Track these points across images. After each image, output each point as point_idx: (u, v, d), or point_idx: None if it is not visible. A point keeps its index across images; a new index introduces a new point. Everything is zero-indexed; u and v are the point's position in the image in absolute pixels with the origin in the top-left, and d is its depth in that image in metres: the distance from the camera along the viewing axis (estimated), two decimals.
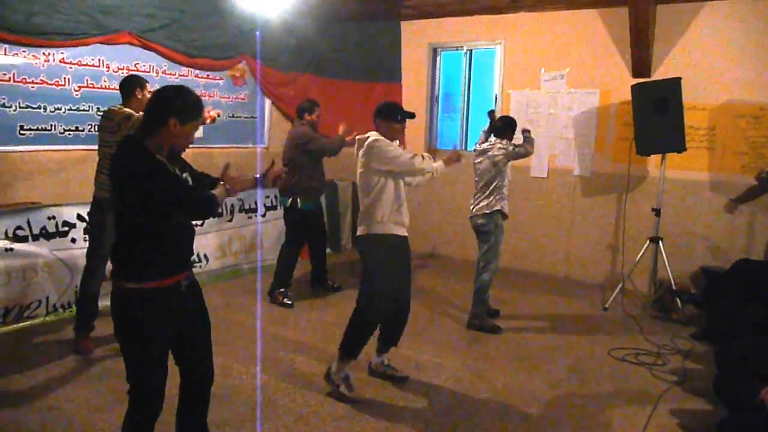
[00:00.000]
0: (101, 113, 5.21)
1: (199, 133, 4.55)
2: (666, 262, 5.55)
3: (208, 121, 4.42)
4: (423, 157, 3.78)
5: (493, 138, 5.06)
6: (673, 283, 5.55)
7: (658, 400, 3.87)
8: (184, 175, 2.53)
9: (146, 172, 2.30)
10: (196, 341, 2.65)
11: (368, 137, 3.76)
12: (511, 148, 4.92)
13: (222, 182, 2.59)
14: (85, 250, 4.30)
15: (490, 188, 4.94)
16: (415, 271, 6.83)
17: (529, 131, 5.33)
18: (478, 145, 5.12)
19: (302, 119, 5.56)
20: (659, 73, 6.00)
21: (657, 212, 5.70)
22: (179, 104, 2.40)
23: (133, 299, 2.39)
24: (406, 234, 3.81)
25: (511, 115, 6.17)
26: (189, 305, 2.57)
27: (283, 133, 7.18)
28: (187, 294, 2.55)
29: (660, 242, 5.65)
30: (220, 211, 6.16)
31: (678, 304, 5.50)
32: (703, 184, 5.99)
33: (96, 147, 4.18)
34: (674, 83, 5.40)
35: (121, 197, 2.35)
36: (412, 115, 3.90)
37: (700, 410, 3.76)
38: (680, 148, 5.45)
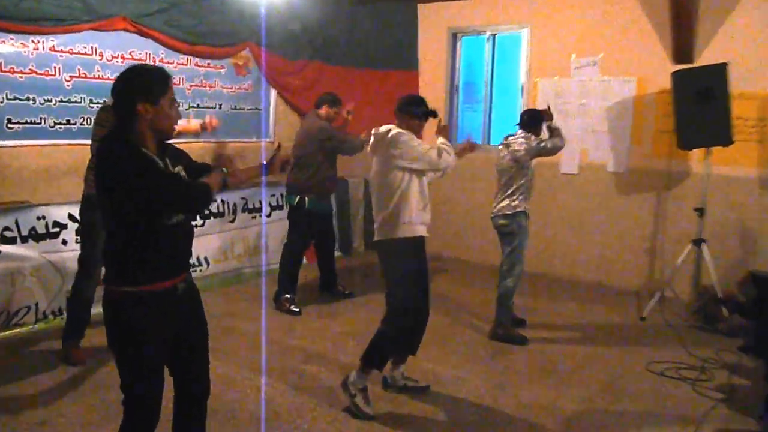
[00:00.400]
0: (95, 105, 5.31)
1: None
2: (710, 267, 5.49)
3: (209, 129, 4.48)
4: (447, 151, 3.81)
5: (519, 131, 5.03)
6: (718, 290, 5.49)
7: (702, 419, 3.82)
8: (177, 168, 2.54)
9: (133, 168, 2.31)
10: (193, 349, 2.67)
11: (389, 130, 3.77)
12: (535, 143, 4.89)
13: (216, 165, 2.59)
14: (77, 253, 4.34)
15: (512, 187, 4.92)
16: (432, 275, 6.83)
17: (550, 114, 5.22)
18: (504, 139, 5.09)
19: (319, 109, 5.59)
20: (703, 59, 5.94)
21: (700, 212, 5.64)
22: (140, 85, 2.38)
23: (126, 303, 2.41)
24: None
25: (538, 106, 6.13)
26: (185, 310, 2.59)
27: (290, 127, 7.22)
28: (183, 298, 2.56)
29: (703, 245, 5.59)
30: (222, 210, 6.24)
31: (724, 314, 5.44)
32: (752, 181, 5.92)
33: (90, 142, 4.22)
34: (720, 70, 5.35)
35: (109, 196, 2.37)
36: (434, 114, 3.94)
37: (748, 431, 3.71)
38: (726, 141, 5.39)
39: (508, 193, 4.93)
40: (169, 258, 2.50)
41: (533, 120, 5.06)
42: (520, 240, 4.96)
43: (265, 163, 2.87)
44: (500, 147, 5.08)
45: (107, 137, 2.46)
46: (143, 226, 2.40)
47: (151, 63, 5.72)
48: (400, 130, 3.75)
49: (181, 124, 4.02)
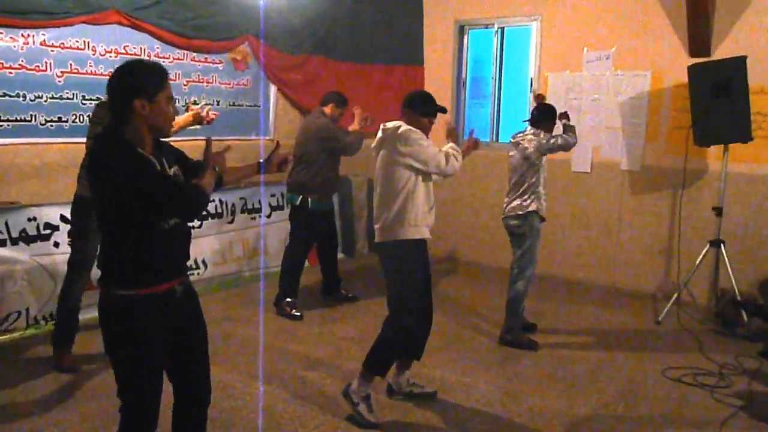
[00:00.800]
0: (87, 102, 5.31)
1: (196, 126, 4.61)
2: (729, 269, 5.47)
3: (205, 122, 4.47)
4: (456, 157, 3.82)
5: (529, 128, 5.02)
6: (737, 292, 5.47)
7: (721, 427, 3.81)
8: (173, 169, 2.54)
9: (127, 168, 2.31)
10: (192, 354, 2.67)
11: (399, 126, 3.77)
12: (544, 140, 4.87)
13: (207, 165, 2.58)
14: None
15: (523, 186, 4.91)
16: (440, 278, 6.82)
17: (566, 116, 5.26)
18: (513, 137, 5.09)
19: (325, 106, 5.59)
20: (720, 52, 5.91)
21: (718, 211, 5.62)
22: (136, 81, 2.38)
23: (122, 307, 2.41)
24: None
25: (549, 101, 6.11)
26: (184, 314, 2.60)
27: (290, 124, 7.23)
28: (182, 301, 2.57)
29: (722, 246, 5.57)
30: (220, 211, 6.23)
31: (743, 317, 5.41)
32: None
33: (82, 140, 4.21)
34: (738, 63, 5.33)
35: (103, 197, 2.38)
36: (443, 110, 3.94)
37: None
38: (745, 137, 5.37)
39: (519, 192, 4.92)
40: (166, 260, 2.50)
41: (544, 116, 5.04)
42: (532, 242, 4.94)
43: (262, 161, 2.87)
44: (510, 145, 5.07)
45: (101, 135, 2.46)
46: (139, 228, 2.40)
47: (146, 58, 5.73)
48: (411, 128, 3.74)
49: (176, 120, 4.01)
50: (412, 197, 3.71)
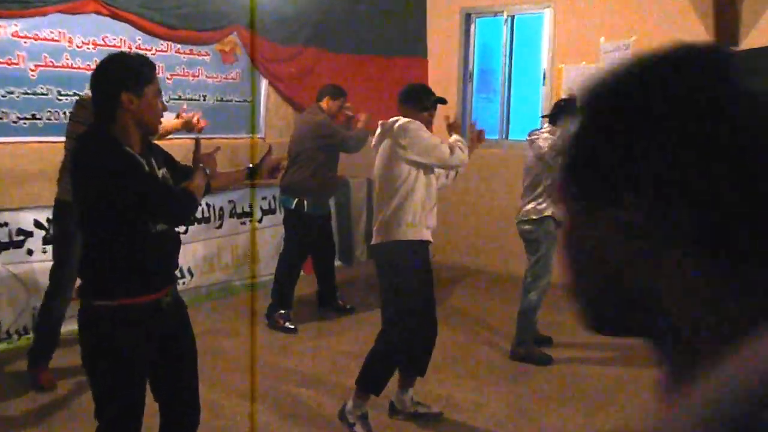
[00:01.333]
0: (63, 97, 5.30)
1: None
2: None
3: (196, 130, 4.47)
4: (462, 149, 3.83)
5: (546, 125, 5.00)
6: None
7: None
8: (162, 171, 2.53)
9: (115, 168, 2.31)
10: (179, 371, 2.67)
11: (397, 119, 3.79)
12: (560, 139, 4.85)
13: (196, 166, 2.58)
14: (45, 264, 4.33)
15: (538, 189, 4.90)
16: (447, 287, 6.80)
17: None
18: (529, 135, 5.07)
19: (321, 102, 5.59)
20: (749, 41, 5.92)
21: None
22: (124, 73, 2.39)
23: (104, 319, 2.40)
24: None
25: (563, 96, 6.11)
26: (171, 327, 2.59)
27: (282, 121, 7.21)
28: (168, 314, 2.56)
29: None
30: (207, 215, 6.22)
31: None
32: None
33: (58, 139, 4.20)
34: (767, 53, 5.32)
35: (86, 199, 2.37)
36: (443, 101, 3.94)
37: None
38: None
39: (534, 195, 4.90)
40: (153, 269, 2.50)
41: (563, 112, 4.98)
42: (547, 248, 4.91)
43: (251, 166, 2.87)
44: (525, 143, 5.06)
45: (86, 134, 2.46)
46: (124, 234, 2.39)
47: (127, 50, 5.72)
48: (410, 119, 3.76)
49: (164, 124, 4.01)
50: (410, 195, 3.71)
